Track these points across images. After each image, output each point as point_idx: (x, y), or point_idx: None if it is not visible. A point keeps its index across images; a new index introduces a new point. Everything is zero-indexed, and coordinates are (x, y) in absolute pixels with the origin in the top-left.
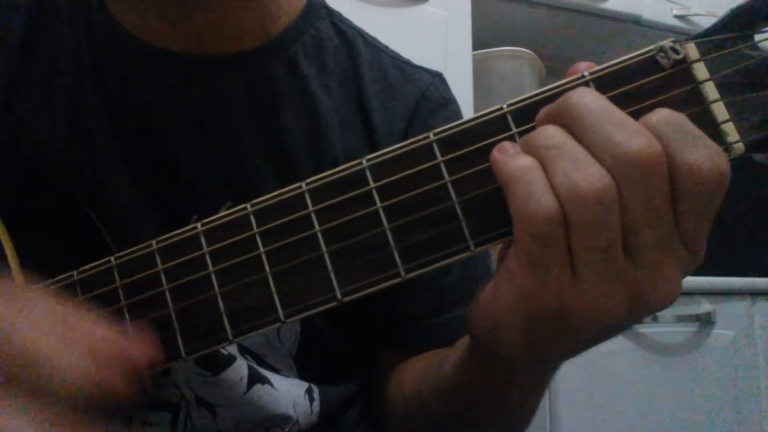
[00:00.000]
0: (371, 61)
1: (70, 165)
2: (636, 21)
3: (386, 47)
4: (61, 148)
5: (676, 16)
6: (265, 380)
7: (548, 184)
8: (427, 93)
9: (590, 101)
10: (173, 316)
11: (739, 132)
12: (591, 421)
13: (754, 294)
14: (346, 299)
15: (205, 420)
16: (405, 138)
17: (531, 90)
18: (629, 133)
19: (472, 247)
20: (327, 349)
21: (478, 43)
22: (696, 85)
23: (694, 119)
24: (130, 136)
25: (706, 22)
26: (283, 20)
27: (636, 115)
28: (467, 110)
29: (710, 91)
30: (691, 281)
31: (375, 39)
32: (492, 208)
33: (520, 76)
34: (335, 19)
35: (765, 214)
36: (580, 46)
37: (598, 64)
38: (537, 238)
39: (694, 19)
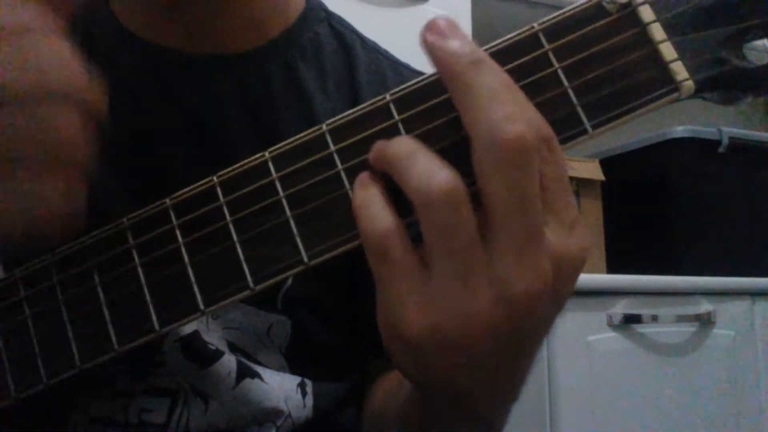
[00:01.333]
0: (369, 65)
1: None
2: None
3: (385, 51)
4: None
5: None
6: (255, 374)
7: (387, 204)
8: None
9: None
10: (145, 291)
11: (689, 71)
12: (591, 421)
13: (754, 294)
14: (312, 262)
15: (198, 412)
16: None
17: None
18: (504, 116)
19: None
20: (318, 348)
21: (478, 43)
22: (642, 28)
23: (644, 61)
24: (120, 132)
25: None
26: (281, 23)
27: (585, 62)
28: None
29: (657, 32)
30: (691, 281)
31: (374, 43)
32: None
33: None
34: (334, 22)
35: (765, 214)
36: None
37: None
38: (377, 256)
39: None
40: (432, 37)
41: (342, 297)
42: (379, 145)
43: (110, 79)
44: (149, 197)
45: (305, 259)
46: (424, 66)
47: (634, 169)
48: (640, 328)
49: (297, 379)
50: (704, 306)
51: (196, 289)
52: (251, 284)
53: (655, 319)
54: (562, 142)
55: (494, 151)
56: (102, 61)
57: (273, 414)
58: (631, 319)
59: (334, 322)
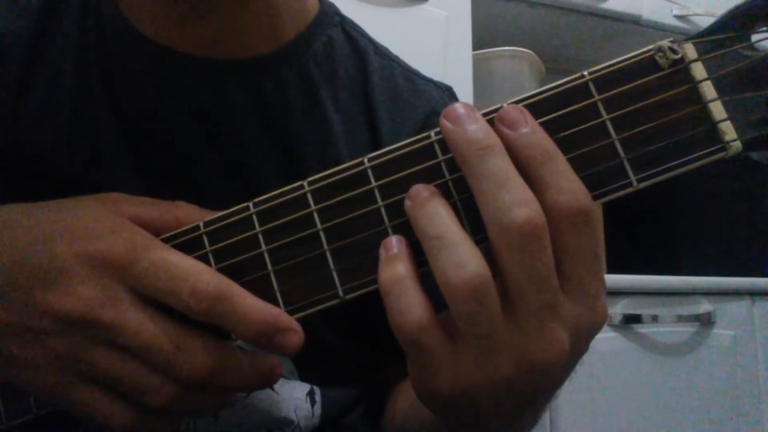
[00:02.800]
0: (381, 71)
1: (74, 165)
2: (636, 21)
3: (397, 57)
4: (66, 148)
5: (676, 16)
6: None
7: (417, 292)
8: (437, 108)
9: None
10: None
11: (737, 130)
12: (591, 421)
13: (754, 294)
14: (348, 297)
15: (207, 422)
16: None
17: (531, 90)
18: (511, 202)
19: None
20: (328, 352)
21: (478, 43)
22: (694, 85)
23: (693, 118)
24: (135, 136)
25: (706, 22)
26: (295, 27)
27: (634, 115)
28: None
29: (708, 90)
30: (691, 281)
31: (386, 48)
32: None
33: (520, 76)
34: (347, 27)
35: (765, 214)
36: (580, 46)
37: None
38: (408, 344)
39: (694, 19)
40: (447, 124)
41: (354, 300)
42: (408, 197)
43: (125, 83)
44: (166, 196)
45: (341, 293)
46: (426, 68)
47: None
48: (640, 328)
49: (306, 388)
50: (704, 306)
51: None
52: None
53: (655, 319)
54: (606, 194)
55: (504, 235)
56: (117, 65)
57: (283, 423)
58: (631, 319)
59: (344, 328)
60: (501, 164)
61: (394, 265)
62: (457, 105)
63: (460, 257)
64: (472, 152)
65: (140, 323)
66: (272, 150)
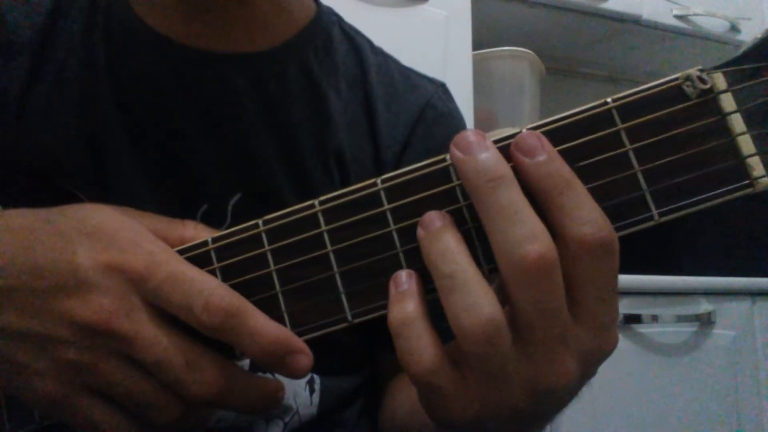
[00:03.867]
0: (378, 66)
1: (79, 159)
2: (636, 21)
3: (391, 56)
4: (71, 142)
5: (676, 16)
6: (266, 370)
7: (427, 333)
8: (431, 101)
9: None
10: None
11: (765, 166)
12: (591, 421)
13: (754, 294)
14: (356, 321)
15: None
16: (407, 144)
17: (531, 90)
18: (522, 237)
19: (486, 273)
20: (328, 342)
21: (478, 43)
22: (722, 117)
23: (719, 152)
24: (139, 127)
25: (706, 22)
26: (296, 24)
27: (658, 146)
28: (467, 110)
29: (737, 123)
30: (691, 281)
31: (380, 47)
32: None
33: (520, 76)
34: (344, 26)
35: (765, 214)
36: (580, 46)
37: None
38: (419, 385)
39: (694, 19)
40: (457, 153)
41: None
42: (420, 225)
43: (130, 75)
44: (171, 190)
45: (349, 317)
46: (426, 68)
47: None
48: (640, 328)
49: (306, 376)
50: (704, 306)
51: None
52: None
53: (655, 319)
54: (626, 227)
55: (514, 270)
56: (123, 57)
57: (282, 410)
58: (631, 319)
59: None
60: (511, 196)
61: (405, 303)
62: (468, 132)
63: (473, 300)
64: (482, 183)
65: (155, 337)
66: (274, 140)
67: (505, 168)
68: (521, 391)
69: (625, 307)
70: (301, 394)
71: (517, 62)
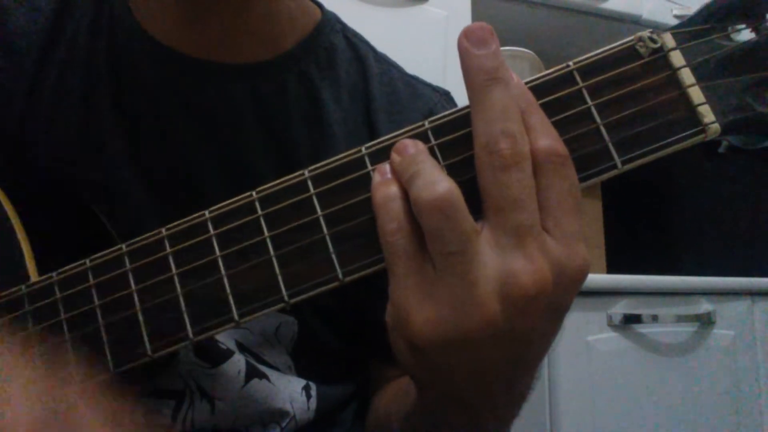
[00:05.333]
0: (381, 76)
1: (79, 164)
2: (636, 21)
3: (395, 63)
4: (72, 147)
5: (676, 16)
6: (262, 375)
7: (405, 208)
8: (435, 110)
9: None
10: (181, 300)
11: (715, 114)
12: (591, 421)
13: (754, 294)
14: (347, 279)
15: (204, 413)
16: None
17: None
18: (505, 132)
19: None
20: (324, 349)
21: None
22: (673, 72)
23: (673, 103)
24: (137, 136)
25: None
26: (297, 33)
27: (617, 101)
28: None
29: (686, 76)
30: (691, 281)
31: (384, 54)
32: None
33: (520, 76)
34: (348, 34)
35: (765, 214)
36: (580, 46)
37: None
38: (390, 251)
39: None
40: (466, 43)
41: (349, 301)
42: (395, 151)
43: (131, 82)
44: (170, 199)
45: (340, 276)
46: (426, 68)
47: (634, 169)
48: (640, 328)
49: (302, 382)
50: (704, 306)
51: (231, 300)
52: (286, 298)
53: (655, 319)
54: (593, 176)
55: (491, 155)
56: (124, 65)
57: (278, 415)
58: (631, 319)
59: (340, 326)
60: (506, 97)
61: (389, 186)
62: (476, 26)
63: (432, 179)
64: (483, 80)
65: None
66: (271, 151)
67: (506, 70)
68: (488, 291)
69: (625, 307)
70: (298, 399)
71: (517, 62)
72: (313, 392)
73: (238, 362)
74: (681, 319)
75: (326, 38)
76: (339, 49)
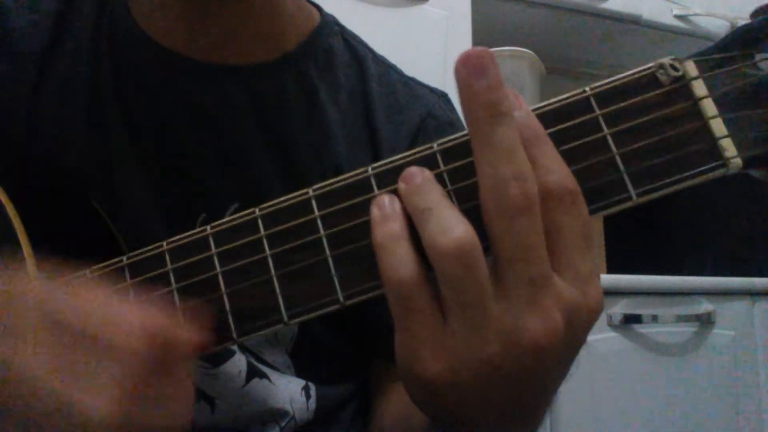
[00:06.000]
0: (379, 77)
1: (85, 166)
2: (636, 21)
3: (394, 65)
4: (77, 149)
5: (676, 16)
6: (263, 375)
7: (411, 251)
8: (433, 111)
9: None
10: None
11: (737, 147)
12: (591, 421)
13: (754, 294)
14: (348, 303)
15: (204, 413)
16: None
17: (531, 90)
18: (512, 175)
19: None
20: (323, 350)
21: (478, 43)
22: (694, 102)
23: (693, 135)
24: (142, 136)
25: (706, 22)
26: (297, 35)
27: (635, 130)
28: None
29: (708, 107)
30: (691, 281)
31: (383, 57)
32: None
33: (520, 76)
34: (346, 36)
35: (765, 214)
36: (580, 46)
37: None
38: (398, 301)
39: (694, 19)
40: (464, 72)
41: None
42: (402, 180)
43: (133, 85)
44: (172, 198)
45: (341, 299)
46: (426, 68)
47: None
48: (640, 328)
49: (301, 383)
50: (704, 306)
51: (230, 318)
52: (285, 318)
53: (655, 319)
54: (605, 208)
55: (499, 203)
56: (126, 68)
57: (278, 414)
58: (631, 319)
59: (340, 325)
60: (510, 134)
61: (389, 223)
62: (474, 52)
63: (449, 223)
64: (485, 117)
65: None
66: (272, 152)
67: (508, 105)
68: (501, 344)
69: (625, 307)
70: (297, 399)
71: (517, 62)
72: (313, 392)
73: (239, 362)
74: (681, 319)
75: (325, 40)
76: (337, 50)
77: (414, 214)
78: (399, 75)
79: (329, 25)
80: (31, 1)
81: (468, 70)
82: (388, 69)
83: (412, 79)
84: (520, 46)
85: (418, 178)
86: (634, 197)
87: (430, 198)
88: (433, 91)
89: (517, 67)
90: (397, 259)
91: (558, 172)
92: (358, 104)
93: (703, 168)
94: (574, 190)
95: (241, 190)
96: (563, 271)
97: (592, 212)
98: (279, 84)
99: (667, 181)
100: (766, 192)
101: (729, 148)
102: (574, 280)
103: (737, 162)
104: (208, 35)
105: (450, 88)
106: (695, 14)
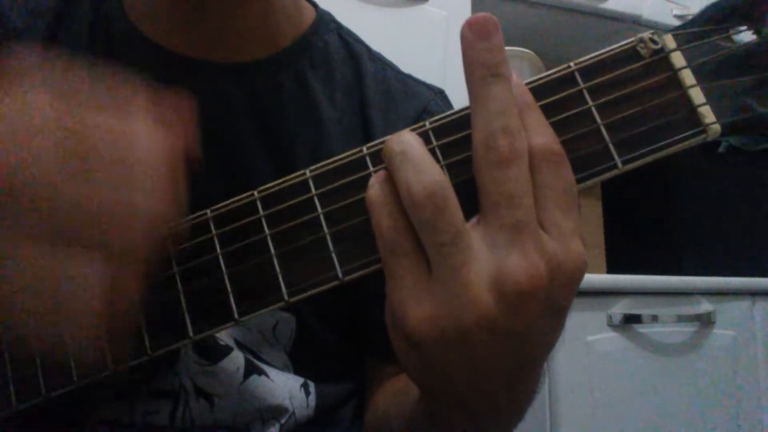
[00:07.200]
0: (375, 74)
1: None
2: (636, 21)
3: (390, 62)
4: None
5: (676, 16)
6: (261, 372)
7: (396, 206)
8: (429, 107)
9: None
10: (182, 298)
11: (715, 115)
12: (591, 421)
13: (754, 294)
14: (347, 278)
15: (203, 410)
16: None
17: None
18: (502, 129)
19: None
20: (321, 348)
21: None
22: (674, 72)
23: (674, 104)
24: None
25: None
26: (292, 32)
27: (618, 101)
28: None
29: (687, 77)
30: (691, 281)
31: (379, 53)
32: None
33: (520, 75)
34: (343, 33)
35: (765, 214)
36: (580, 46)
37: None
38: (386, 246)
39: None
40: (469, 33)
41: (346, 299)
42: (388, 141)
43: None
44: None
45: (340, 275)
46: (426, 68)
47: (634, 169)
48: (640, 328)
49: (300, 380)
50: (704, 306)
51: (232, 299)
52: (286, 297)
53: (655, 319)
54: (593, 176)
55: (488, 152)
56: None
57: (278, 411)
58: (631, 319)
59: (338, 323)
60: (506, 95)
61: (382, 185)
62: (481, 18)
63: (423, 168)
64: (484, 76)
65: None
66: (267, 149)
67: (507, 67)
68: (483, 287)
69: (625, 307)
70: (296, 396)
71: (517, 62)
72: (312, 390)
73: (236, 358)
74: (681, 319)
75: (321, 37)
76: (333, 48)
77: (390, 158)
78: (395, 72)
79: (325, 22)
80: (28, 1)
81: (473, 31)
82: (383, 66)
83: (409, 76)
84: (520, 46)
85: (404, 136)
86: (620, 165)
87: (406, 143)
88: (429, 87)
89: (517, 67)
90: (384, 211)
91: (545, 135)
92: (354, 101)
93: (684, 135)
94: (559, 152)
95: (237, 187)
96: (547, 226)
97: (580, 181)
98: (274, 81)
99: (651, 148)
100: (766, 192)
101: (708, 114)
102: (557, 235)
103: (716, 128)
104: (203, 33)
105: (450, 88)
106: (695, 14)
